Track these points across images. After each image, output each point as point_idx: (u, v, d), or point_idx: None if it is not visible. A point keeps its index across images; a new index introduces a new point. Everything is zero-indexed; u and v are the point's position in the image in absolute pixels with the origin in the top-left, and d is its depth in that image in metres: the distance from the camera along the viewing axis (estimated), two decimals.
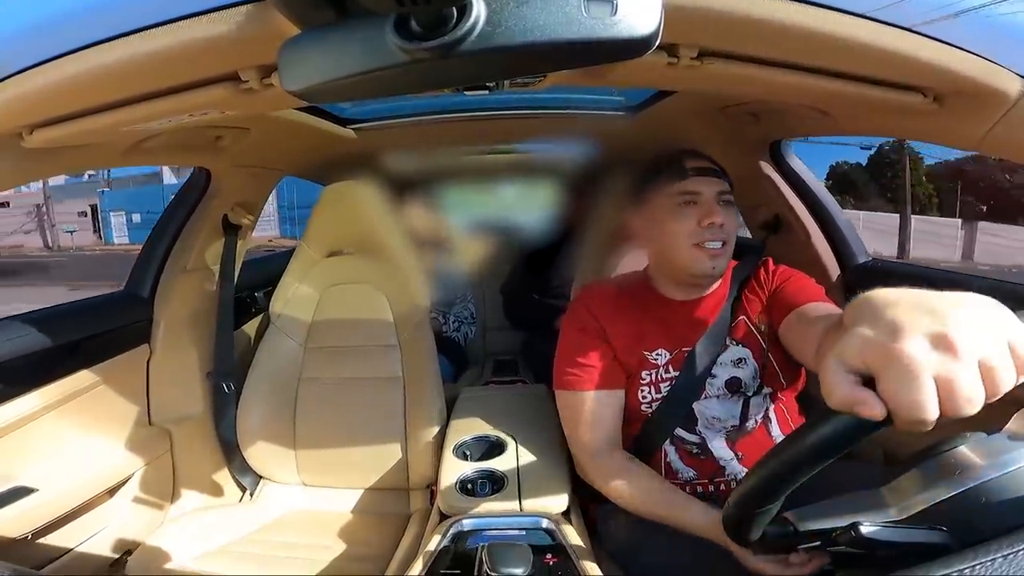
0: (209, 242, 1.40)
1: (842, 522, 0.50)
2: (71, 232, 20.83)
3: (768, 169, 1.32)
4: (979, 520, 0.44)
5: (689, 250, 0.92)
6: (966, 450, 0.48)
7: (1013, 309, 0.40)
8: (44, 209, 20.45)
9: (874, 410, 0.38)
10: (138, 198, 19.37)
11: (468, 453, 1.07)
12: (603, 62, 0.36)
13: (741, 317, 0.98)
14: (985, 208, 15.81)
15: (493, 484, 0.96)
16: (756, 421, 0.93)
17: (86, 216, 21.57)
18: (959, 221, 15.68)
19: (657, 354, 0.96)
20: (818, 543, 0.54)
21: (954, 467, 0.47)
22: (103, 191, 21.24)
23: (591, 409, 0.94)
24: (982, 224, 15.33)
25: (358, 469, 1.33)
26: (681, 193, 0.93)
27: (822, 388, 0.42)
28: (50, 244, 20.63)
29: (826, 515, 0.52)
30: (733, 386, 0.94)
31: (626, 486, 0.88)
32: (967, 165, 16.20)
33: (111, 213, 20.79)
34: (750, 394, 0.94)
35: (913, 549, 0.46)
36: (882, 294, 0.42)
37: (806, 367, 0.90)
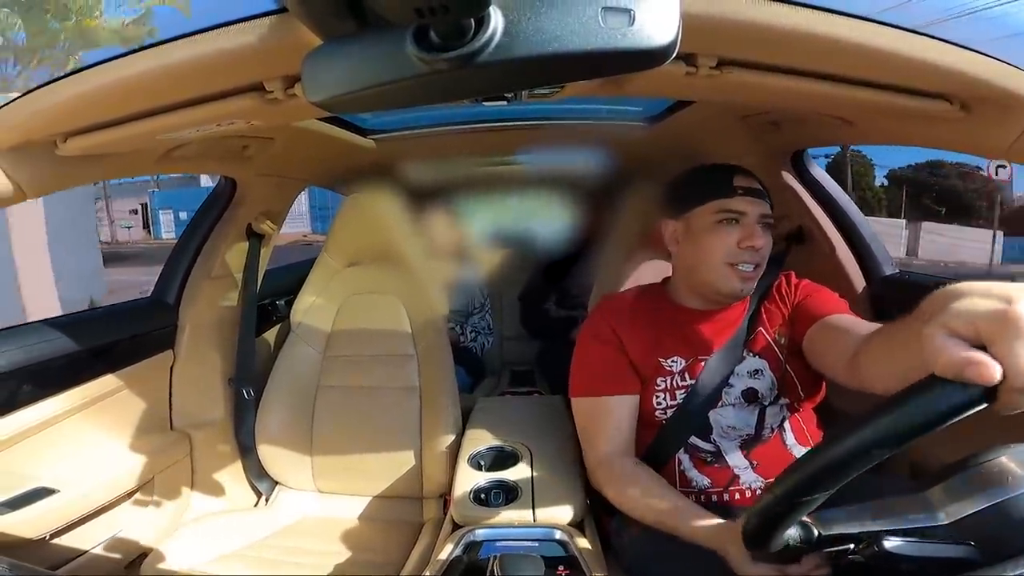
0: (233, 250, 1.43)
1: (868, 527, 0.48)
2: (128, 228, 22.70)
3: (790, 179, 1.30)
4: (1010, 535, 0.42)
5: (722, 268, 0.92)
6: (1003, 462, 0.46)
7: None
8: (105, 206, 21.36)
9: (990, 371, 0.35)
10: (182, 198, 20.66)
11: (482, 463, 1.07)
12: (621, 72, 0.36)
13: (759, 329, 0.97)
14: (929, 210, 17.71)
15: (507, 494, 0.95)
16: (772, 430, 0.92)
17: (137, 214, 23.40)
18: (904, 222, 17.39)
19: (673, 361, 0.95)
20: (841, 549, 0.51)
21: (988, 479, 0.45)
22: (153, 191, 22.97)
23: (605, 414, 0.94)
24: (925, 224, 17.00)
25: (373, 477, 1.34)
26: (725, 211, 0.92)
27: (926, 355, 0.39)
28: (110, 239, 21.63)
29: (851, 520, 0.50)
30: (750, 396, 0.93)
31: (631, 492, 0.87)
32: (911, 172, 18.41)
33: (160, 211, 22.53)
34: (767, 404, 0.93)
35: (938, 564, 0.45)
36: (971, 283, 0.42)
37: (831, 377, 0.87)
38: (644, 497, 0.85)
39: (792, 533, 0.50)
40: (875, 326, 0.80)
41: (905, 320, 0.57)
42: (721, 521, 0.75)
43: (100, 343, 1.15)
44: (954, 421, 0.37)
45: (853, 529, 0.49)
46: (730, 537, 0.67)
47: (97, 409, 1.14)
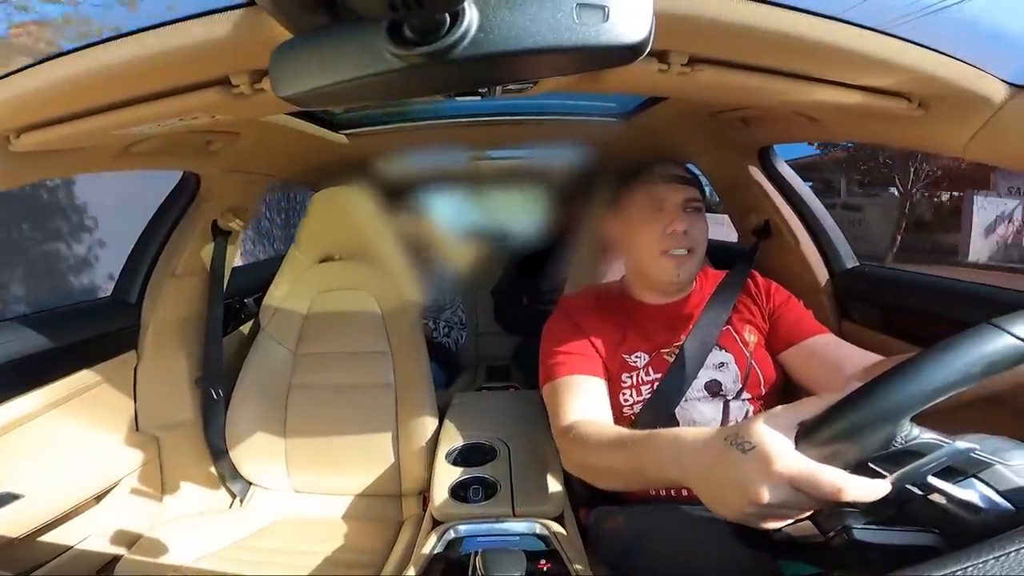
0: (198, 247, 1.38)
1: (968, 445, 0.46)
2: None
3: (757, 175, 1.33)
4: (972, 523, 0.44)
5: (657, 258, 0.96)
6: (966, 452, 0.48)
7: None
8: None
9: None
10: None
11: (460, 459, 1.07)
12: (594, 68, 0.36)
13: (728, 326, 0.99)
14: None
15: (486, 490, 0.96)
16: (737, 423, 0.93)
17: None
18: None
19: (636, 356, 0.97)
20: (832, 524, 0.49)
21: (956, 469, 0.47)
22: None
23: (568, 389, 0.90)
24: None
25: (349, 475, 1.32)
26: (649, 200, 0.96)
27: None
28: None
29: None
30: (712, 388, 0.94)
31: (585, 446, 0.78)
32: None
33: None
34: (730, 398, 0.94)
35: (905, 551, 0.46)
36: None
37: (814, 392, 0.84)
38: (599, 441, 0.75)
39: (909, 430, 0.46)
40: (863, 352, 0.87)
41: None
42: (707, 432, 0.58)
43: (58, 344, 1.11)
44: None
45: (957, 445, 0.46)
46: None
47: (58, 412, 1.09)
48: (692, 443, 0.57)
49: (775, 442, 0.47)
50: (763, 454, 0.47)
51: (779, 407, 0.51)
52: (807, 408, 0.49)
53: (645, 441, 0.64)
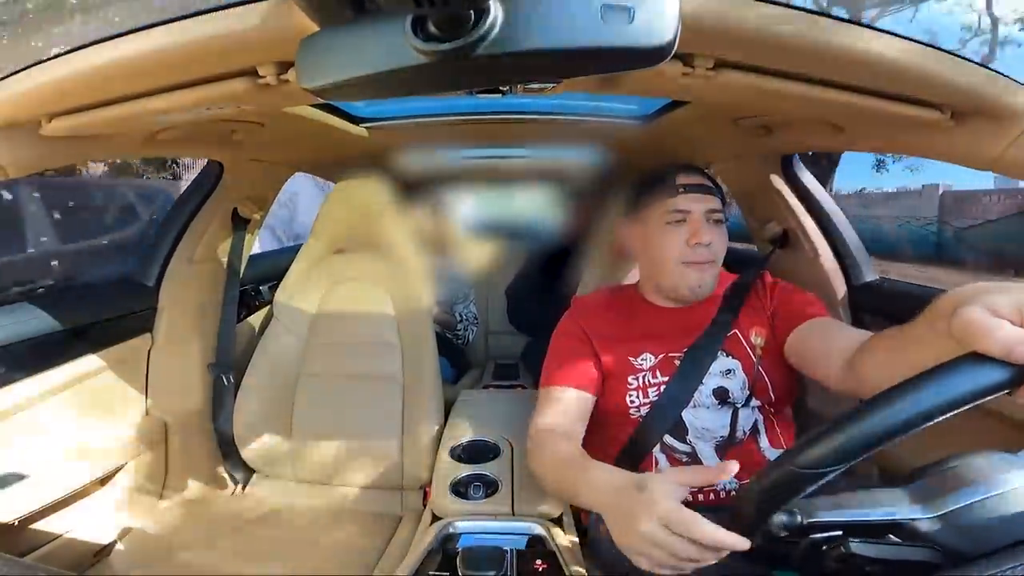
0: (217, 235, 1.40)
1: (854, 516, 0.48)
2: None
3: (779, 183, 1.31)
4: (970, 539, 0.44)
5: (677, 267, 0.96)
6: (976, 464, 0.47)
7: None
8: None
9: None
10: None
11: (463, 455, 1.07)
12: (618, 70, 0.36)
13: (735, 330, 0.97)
14: None
15: (486, 487, 0.96)
16: (745, 432, 0.93)
17: None
18: None
19: (642, 359, 0.96)
20: (822, 539, 0.51)
21: (962, 480, 0.47)
22: None
23: (551, 400, 0.95)
24: None
25: (352, 467, 1.33)
26: (670, 211, 0.95)
27: (966, 335, 0.40)
28: None
29: (836, 508, 0.50)
30: (720, 395, 0.93)
31: (544, 455, 0.86)
32: None
33: None
34: (739, 405, 0.93)
35: (902, 567, 0.46)
36: (993, 282, 0.45)
37: (819, 380, 0.87)
38: (551, 453, 0.84)
39: (779, 519, 0.50)
40: (861, 331, 0.82)
41: (915, 321, 0.59)
42: (628, 475, 0.68)
43: (75, 325, 1.13)
44: (983, 401, 0.39)
45: (838, 518, 0.49)
46: (640, 494, 0.62)
47: (72, 393, 1.12)
48: (614, 483, 0.68)
49: (662, 488, 0.59)
50: (648, 496, 0.59)
51: (685, 468, 0.64)
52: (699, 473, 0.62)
53: (582, 474, 0.75)
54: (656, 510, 0.57)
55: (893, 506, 0.48)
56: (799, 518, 0.50)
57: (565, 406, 0.94)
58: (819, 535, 0.50)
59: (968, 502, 0.45)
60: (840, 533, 0.49)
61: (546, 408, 0.94)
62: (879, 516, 0.48)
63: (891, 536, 0.47)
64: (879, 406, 0.42)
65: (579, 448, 0.86)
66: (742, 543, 0.52)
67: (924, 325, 0.56)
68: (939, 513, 0.46)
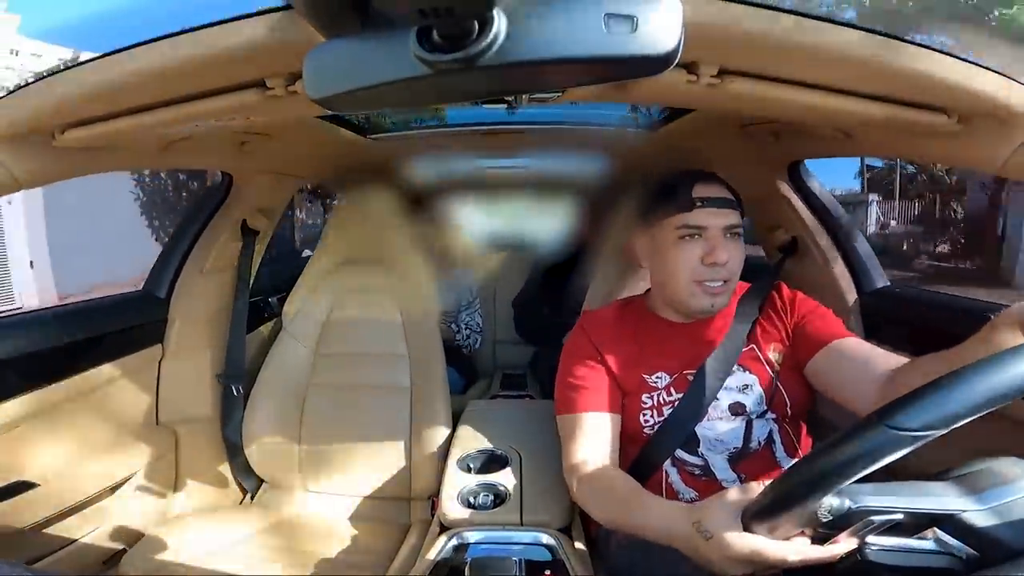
0: (227, 245, 1.42)
1: (903, 504, 0.47)
2: None
3: (786, 190, 1.31)
4: (989, 542, 0.44)
5: (689, 285, 0.90)
6: (1000, 467, 0.47)
7: None
8: None
9: None
10: None
11: (472, 466, 1.06)
12: (622, 79, 0.36)
13: (751, 345, 0.95)
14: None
15: (495, 498, 0.95)
16: (760, 443, 0.91)
17: None
18: None
19: (657, 377, 0.94)
20: (858, 531, 0.49)
21: (995, 479, 0.46)
22: None
23: (580, 429, 0.91)
24: None
25: (361, 476, 1.33)
26: (686, 226, 0.89)
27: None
28: None
29: (885, 495, 0.48)
30: (736, 409, 0.91)
31: (598, 495, 0.84)
32: None
33: None
34: (753, 417, 0.91)
35: (920, 573, 0.45)
36: None
37: (847, 402, 0.85)
38: (609, 495, 0.82)
39: (829, 502, 0.48)
40: (888, 353, 0.83)
41: (967, 342, 0.61)
42: (683, 505, 0.71)
43: (87, 336, 1.14)
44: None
45: (887, 503, 0.47)
46: (703, 518, 0.63)
47: (83, 402, 1.13)
48: (674, 520, 0.68)
49: (726, 530, 0.58)
50: (717, 543, 0.59)
51: (733, 489, 0.61)
52: (754, 489, 0.59)
53: (641, 512, 0.75)
54: (729, 557, 0.58)
55: (942, 496, 0.47)
56: (847, 503, 0.48)
57: (599, 434, 0.91)
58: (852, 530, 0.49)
59: (1021, 495, 0.45)
60: (884, 519, 0.47)
61: (580, 438, 0.90)
62: (928, 506, 0.46)
63: (936, 530, 0.46)
64: (992, 367, 0.43)
65: (628, 480, 0.84)
66: (823, 552, 0.51)
67: (980, 343, 0.57)
68: (991, 505, 0.45)
